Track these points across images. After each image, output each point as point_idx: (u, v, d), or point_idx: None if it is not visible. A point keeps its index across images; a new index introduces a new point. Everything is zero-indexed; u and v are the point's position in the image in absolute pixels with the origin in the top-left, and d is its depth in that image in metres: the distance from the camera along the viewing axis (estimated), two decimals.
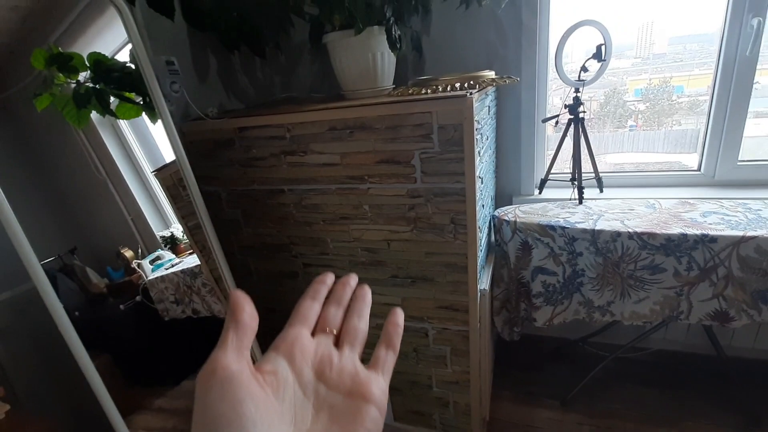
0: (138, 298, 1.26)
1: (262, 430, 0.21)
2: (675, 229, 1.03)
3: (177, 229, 1.30)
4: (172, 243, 1.32)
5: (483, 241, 1.11)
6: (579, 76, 1.20)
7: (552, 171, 1.37)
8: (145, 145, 1.18)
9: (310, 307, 0.30)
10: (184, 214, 1.13)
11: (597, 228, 1.09)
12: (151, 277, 1.27)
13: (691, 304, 1.08)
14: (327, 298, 0.32)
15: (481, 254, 1.06)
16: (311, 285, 0.32)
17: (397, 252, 1.01)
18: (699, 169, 1.36)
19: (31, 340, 0.86)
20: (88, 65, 0.97)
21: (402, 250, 1.01)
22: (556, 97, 1.46)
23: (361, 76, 1.06)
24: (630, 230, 1.05)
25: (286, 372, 0.25)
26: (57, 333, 0.63)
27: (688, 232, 1.01)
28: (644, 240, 1.05)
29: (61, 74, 0.96)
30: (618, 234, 1.07)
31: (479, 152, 0.93)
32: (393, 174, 0.92)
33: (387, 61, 1.07)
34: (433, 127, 0.85)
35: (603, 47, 1.14)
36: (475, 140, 0.84)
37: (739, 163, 1.29)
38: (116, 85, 1.00)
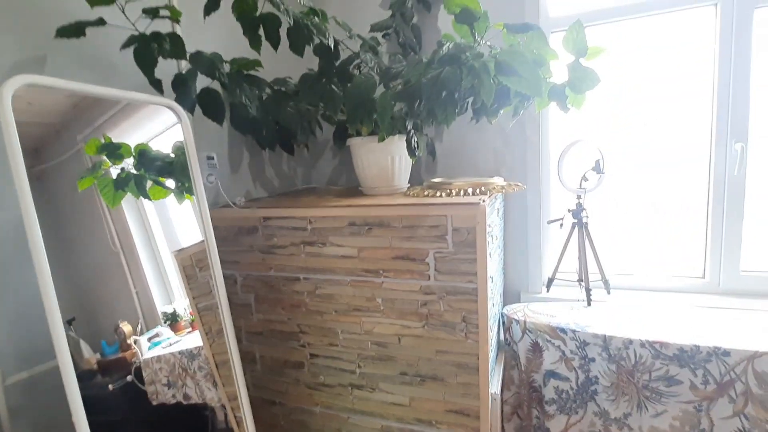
0: (129, 378, 1.21)
1: None
2: (687, 339, 1.02)
3: (179, 306, 1.30)
4: (172, 319, 1.31)
5: (493, 340, 1.10)
6: (580, 185, 1.30)
7: (558, 270, 1.40)
8: (164, 224, 1.24)
9: None
10: (196, 294, 1.14)
11: (608, 334, 1.08)
12: (147, 355, 1.23)
13: (712, 421, 1.02)
14: None
15: (491, 354, 1.04)
16: None
17: (407, 348, 1.00)
18: (703, 277, 1.39)
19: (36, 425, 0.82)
20: (133, 154, 1.08)
21: (413, 346, 1.00)
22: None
23: (379, 175, 1.16)
24: (642, 338, 1.05)
25: None
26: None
27: (700, 344, 1.00)
28: (656, 349, 1.03)
29: (108, 160, 1.06)
30: (630, 341, 1.06)
31: (490, 253, 0.97)
32: (408, 270, 0.95)
33: (404, 163, 1.18)
34: (448, 228, 0.90)
35: (600, 161, 1.25)
36: (487, 242, 0.89)
37: (742, 273, 1.32)
38: (156, 173, 1.09)
